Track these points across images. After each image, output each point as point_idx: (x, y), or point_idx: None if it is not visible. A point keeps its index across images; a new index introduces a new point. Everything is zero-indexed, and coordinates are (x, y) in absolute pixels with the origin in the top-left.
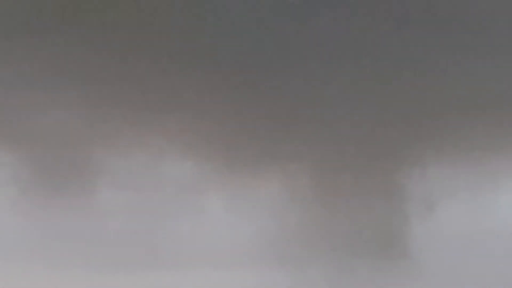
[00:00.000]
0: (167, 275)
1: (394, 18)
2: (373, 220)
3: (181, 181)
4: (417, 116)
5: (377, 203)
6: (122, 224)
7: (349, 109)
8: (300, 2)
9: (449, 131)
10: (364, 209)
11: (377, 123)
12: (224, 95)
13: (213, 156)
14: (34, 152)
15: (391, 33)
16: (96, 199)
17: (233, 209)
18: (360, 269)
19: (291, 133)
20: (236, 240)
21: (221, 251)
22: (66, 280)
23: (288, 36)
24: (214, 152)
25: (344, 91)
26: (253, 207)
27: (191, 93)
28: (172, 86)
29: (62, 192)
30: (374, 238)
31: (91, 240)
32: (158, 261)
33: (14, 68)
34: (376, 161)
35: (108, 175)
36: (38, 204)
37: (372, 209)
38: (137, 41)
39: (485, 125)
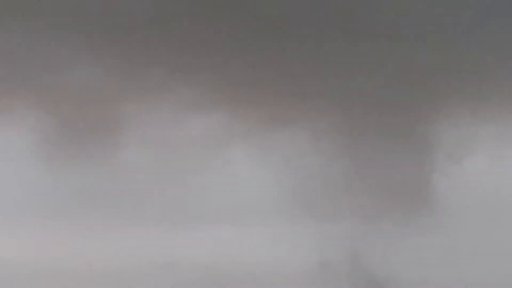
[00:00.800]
0: (194, 230)
1: None
2: (399, 174)
3: (209, 136)
4: (442, 73)
5: (403, 157)
6: (148, 179)
7: (375, 70)
8: None
9: (473, 87)
10: (390, 163)
11: (403, 81)
12: (250, 55)
13: (241, 111)
14: (61, 106)
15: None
16: (122, 155)
17: (260, 163)
18: (384, 223)
19: (317, 91)
20: (262, 194)
21: (248, 205)
22: (86, 231)
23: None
24: (241, 108)
25: (369, 54)
26: (280, 161)
27: (217, 53)
28: (199, 47)
29: (87, 146)
30: (399, 191)
31: (115, 194)
32: (184, 216)
33: (45, 21)
34: (401, 116)
35: (136, 131)
36: (62, 157)
37: (398, 163)
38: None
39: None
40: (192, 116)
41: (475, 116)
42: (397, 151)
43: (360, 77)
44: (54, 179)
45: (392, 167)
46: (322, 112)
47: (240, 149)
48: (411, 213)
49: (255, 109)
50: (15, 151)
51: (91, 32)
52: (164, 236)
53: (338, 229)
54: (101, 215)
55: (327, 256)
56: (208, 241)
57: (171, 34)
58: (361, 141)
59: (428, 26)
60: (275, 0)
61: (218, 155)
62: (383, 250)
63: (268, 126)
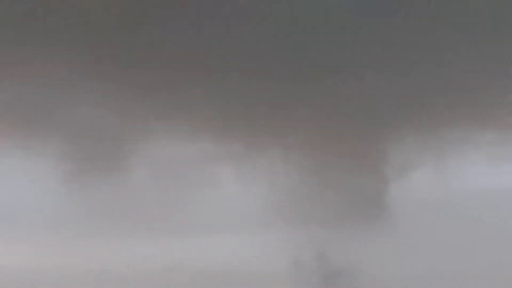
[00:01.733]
0: (191, 239)
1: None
2: (358, 186)
3: (202, 158)
4: (396, 99)
5: (361, 171)
6: (152, 197)
7: (337, 102)
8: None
9: (421, 110)
10: (351, 177)
11: (361, 109)
12: (235, 93)
13: (228, 138)
14: (81, 141)
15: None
16: (131, 177)
17: (243, 180)
18: (347, 227)
19: (289, 124)
20: (245, 205)
21: (235, 215)
22: (104, 242)
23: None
24: (228, 135)
25: (332, 79)
26: (259, 178)
27: (208, 91)
28: (193, 86)
29: (104, 172)
30: (359, 201)
31: (126, 210)
32: (184, 227)
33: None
34: (359, 136)
35: (142, 155)
36: (85, 182)
37: (358, 177)
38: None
39: (448, 106)
40: (187, 142)
41: (420, 134)
42: (356, 167)
43: (324, 109)
44: (73, 197)
45: (352, 180)
46: (292, 138)
47: (227, 169)
48: (369, 218)
49: (239, 136)
50: (40, 174)
51: (101, 69)
52: (167, 243)
53: (309, 233)
54: (114, 227)
55: (300, 256)
56: (201, 247)
57: (169, 73)
58: (326, 160)
59: (374, 58)
60: (263, 38)
61: (209, 174)
62: (346, 250)
63: (249, 149)
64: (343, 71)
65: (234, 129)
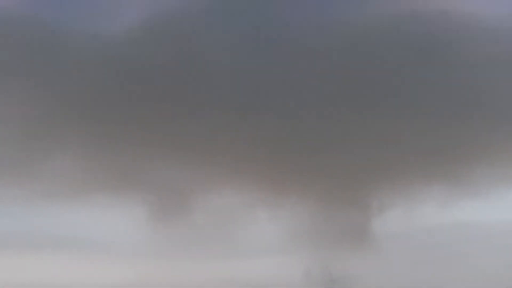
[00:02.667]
0: (239, 260)
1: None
2: (349, 222)
3: (243, 203)
4: (378, 164)
5: (351, 211)
6: (210, 231)
7: (337, 162)
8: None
9: (396, 171)
10: (343, 216)
11: (353, 171)
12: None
13: (259, 188)
14: (160, 192)
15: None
16: (195, 218)
17: (271, 218)
18: (342, 251)
19: (303, 176)
20: (273, 236)
21: (267, 243)
22: (177, 264)
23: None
24: (260, 187)
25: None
26: (282, 215)
27: (250, 158)
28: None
29: (176, 214)
30: (350, 232)
31: (192, 241)
32: (233, 252)
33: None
34: (352, 192)
35: (201, 204)
36: (164, 221)
37: (349, 215)
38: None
39: (415, 167)
40: (234, 192)
41: (394, 184)
42: (349, 208)
43: (327, 171)
44: (156, 232)
45: (346, 217)
46: (304, 189)
47: (262, 210)
48: (358, 243)
49: (269, 188)
50: (134, 216)
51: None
52: (223, 264)
53: (316, 253)
54: (184, 253)
55: (310, 269)
56: (246, 264)
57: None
58: (329, 204)
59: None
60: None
61: (250, 214)
62: (341, 265)
63: (276, 197)
64: (340, 145)
65: (265, 184)
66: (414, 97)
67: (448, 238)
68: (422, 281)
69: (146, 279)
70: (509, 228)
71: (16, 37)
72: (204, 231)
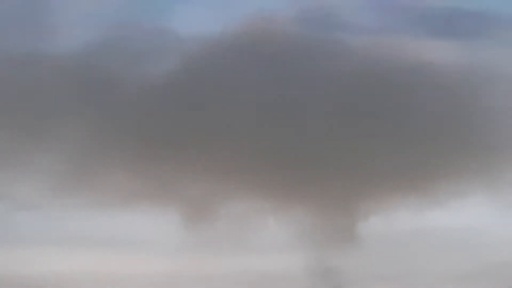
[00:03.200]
0: (251, 255)
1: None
2: (341, 226)
3: (255, 211)
4: (361, 175)
5: (343, 218)
6: (230, 233)
7: (328, 177)
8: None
9: (375, 184)
10: (337, 221)
11: (344, 187)
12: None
13: (268, 199)
14: (186, 204)
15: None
16: (218, 223)
17: (280, 223)
18: (334, 251)
19: (302, 190)
20: (279, 237)
21: (274, 243)
22: (206, 258)
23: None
24: (268, 198)
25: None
26: (289, 220)
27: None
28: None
29: (201, 222)
30: (341, 234)
31: (215, 242)
32: (246, 248)
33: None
34: (341, 201)
35: (222, 213)
36: (195, 223)
37: (341, 221)
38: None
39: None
40: (248, 201)
41: (376, 195)
42: (338, 215)
43: (321, 185)
44: (190, 233)
45: (337, 222)
46: (303, 200)
47: (270, 217)
48: (347, 244)
49: (275, 199)
50: (168, 223)
51: None
52: (238, 259)
53: (315, 252)
54: (208, 249)
55: (309, 264)
56: (256, 259)
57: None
58: (321, 211)
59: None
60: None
61: (260, 220)
62: (335, 260)
63: (281, 205)
64: (334, 163)
65: (273, 195)
66: (395, 125)
67: (418, 239)
68: (397, 273)
69: (179, 271)
70: (464, 231)
71: (78, 79)
72: (224, 233)
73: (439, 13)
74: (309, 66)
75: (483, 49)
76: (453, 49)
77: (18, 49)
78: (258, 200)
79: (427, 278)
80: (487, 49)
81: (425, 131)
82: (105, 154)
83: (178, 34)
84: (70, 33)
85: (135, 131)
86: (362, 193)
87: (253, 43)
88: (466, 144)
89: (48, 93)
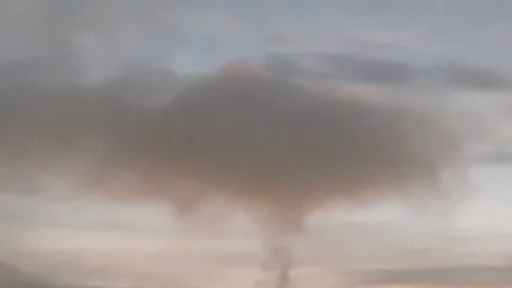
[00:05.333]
0: (226, 240)
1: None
2: (289, 218)
3: (227, 206)
4: (309, 182)
5: (293, 211)
6: (209, 222)
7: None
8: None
9: (319, 188)
10: (288, 212)
11: (295, 185)
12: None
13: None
14: (179, 199)
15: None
16: (201, 212)
17: (244, 213)
18: (286, 237)
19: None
20: (246, 225)
21: (241, 229)
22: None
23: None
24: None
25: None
26: (250, 212)
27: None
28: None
29: (189, 213)
30: (290, 225)
31: (198, 228)
32: (222, 234)
33: None
34: (293, 198)
35: (204, 206)
36: (181, 217)
37: (291, 212)
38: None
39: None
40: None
41: (319, 196)
42: (292, 209)
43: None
44: (178, 222)
45: (291, 214)
46: (265, 196)
47: (238, 208)
48: (297, 231)
49: (242, 196)
50: (166, 213)
51: None
52: (215, 240)
53: (271, 238)
54: (194, 233)
55: (267, 245)
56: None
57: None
58: (279, 207)
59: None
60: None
61: (231, 210)
62: (289, 244)
63: (248, 201)
64: (290, 173)
65: (243, 194)
66: (334, 147)
67: (349, 230)
68: (332, 254)
69: (170, 249)
70: (383, 225)
71: (99, 106)
72: (205, 221)
73: (371, 64)
74: (272, 100)
75: (402, 91)
76: (380, 91)
77: (55, 82)
78: (230, 198)
79: (355, 259)
80: (404, 92)
81: (357, 151)
82: (119, 162)
83: (175, 73)
84: (93, 71)
85: (140, 146)
86: (309, 195)
87: (231, 83)
88: (386, 161)
89: (77, 115)
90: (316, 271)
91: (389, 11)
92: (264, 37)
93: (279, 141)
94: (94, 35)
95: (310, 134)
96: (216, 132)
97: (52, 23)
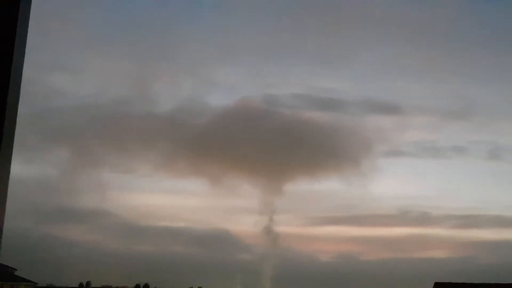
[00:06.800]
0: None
1: None
2: (273, 186)
3: (236, 179)
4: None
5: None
6: (227, 191)
7: None
8: None
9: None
10: (270, 184)
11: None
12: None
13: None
14: (212, 178)
15: None
16: (225, 185)
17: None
18: (268, 198)
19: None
20: (246, 193)
21: (242, 196)
22: None
23: None
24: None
25: None
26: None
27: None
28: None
29: (218, 187)
30: (272, 190)
31: (221, 194)
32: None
33: None
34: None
35: (227, 182)
36: (213, 189)
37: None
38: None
39: None
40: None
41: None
42: (274, 182)
43: None
44: (210, 192)
45: (273, 185)
46: (255, 176)
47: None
48: (277, 195)
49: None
50: (204, 187)
51: None
52: (228, 202)
53: (262, 198)
54: (217, 197)
55: (260, 202)
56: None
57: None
58: (266, 182)
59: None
60: None
61: (239, 183)
62: (272, 202)
63: (251, 179)
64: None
65: (247, 175)
66: (301, 149)
67: (308, 194)
68: (298, 208)
69: (206, 206)
70: (328, 191)
71: (165, 124)
72: (226, 188)
73: (321, 98)
74: (264, 121)
75: (339, 116)
76: (326, 116)
77: (141, 111)
78: (240, 176)
79: (312, 210)
80: (341, 116)
81: (313, 151)
82: (178, 155)
83: (210, 105)
84: (163, 104)
85: (190, 147)
86: (285, 174)
87: (242, 111)
88: (329, 156)
89: (155, 128)
90: (289, 217)
91: (335, 64)
92: (261, 84)
93: (268, 144)
94: (164, 83)
95: (286, 141)
96: (233, 139)
97: (138, 74)
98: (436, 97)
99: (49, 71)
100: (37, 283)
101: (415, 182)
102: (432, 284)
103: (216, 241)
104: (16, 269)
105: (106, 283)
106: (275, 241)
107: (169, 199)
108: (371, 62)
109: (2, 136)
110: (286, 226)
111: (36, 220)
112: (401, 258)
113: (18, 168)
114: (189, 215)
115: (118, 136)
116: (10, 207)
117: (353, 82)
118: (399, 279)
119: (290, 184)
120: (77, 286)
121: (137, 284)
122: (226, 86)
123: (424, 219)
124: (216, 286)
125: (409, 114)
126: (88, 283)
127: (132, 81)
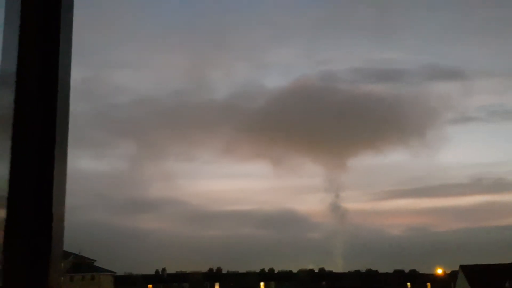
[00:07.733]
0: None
1: None
2: (337, 162)
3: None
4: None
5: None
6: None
7: None
8: None
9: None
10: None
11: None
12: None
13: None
14: (275, 161)
15: None
16: (281, 163)
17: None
18: (334, 173)
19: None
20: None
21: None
22: None
23: None
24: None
25: None
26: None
27: None
28: None
29: (277, 166)
30: (336, 165)
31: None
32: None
33: None
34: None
35: (282, 160)
36: (273, 167)
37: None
38: None
39: None
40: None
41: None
42: (337, 158)
43: None
44: (270, 169)
45: (336, 161)
46: (320, 156)
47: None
48: (341, 170)
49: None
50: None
51: None
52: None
53: (328, 173)
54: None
55: (326, 177)
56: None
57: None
58: (330, 158)
59: None
60: None
61: (304, 163)
62: (337, 176)
63: (313, 158)
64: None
65: (309, 154)
66: (361, 126)
67: (373, 168)
68: (364, 184)
69: (271, 187)
70: (393, 164)
71: (226, 109)
72: (289, 169)
73: (380, 69)
74: (321, 98)
75: (401, 86)
76: (387, 88)
77: (202, 99)
78: (303, 156)
79: (376, 184)
80: (403, 87)
81: (371, 127)
82: (239, 140)
83: (267, 86)
84: (222, 90)
85: (250, 130)
86: (348, 151)
87: (299, 90)
88: (393, 130)
89: (214, 115)
90: (356, 193)
91: (391, 33)
92: (315, 61)
93: (329, 121)
94: (219, 70)
95: (347, 116)
96: (292, 119)
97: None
98: (499, 58)
99: (110, 69)
100: (115, 273)
101: (486, 148)
102: None
103: (284, 222)
104: (95, 260)
105: (180, 269)
106: (343, 218)
107: (234, 184)
108: (428, 27)
109: (56, 131)
110: (353, 202)
111: (110, 213)
112: (476, 227)
113: (89, 164)
114: (255, 198)
115: (180, 126)
116: (85, 201)
117: (412, 50)
118: (475, 249)
119: (354, 159)
120: (154, 273)
121: (210, 269)
122: (281, 67)
123: (499, 185)
124: (287, 267)
125: (473, 78)
126: (163, 270)
127: (188, 71)
